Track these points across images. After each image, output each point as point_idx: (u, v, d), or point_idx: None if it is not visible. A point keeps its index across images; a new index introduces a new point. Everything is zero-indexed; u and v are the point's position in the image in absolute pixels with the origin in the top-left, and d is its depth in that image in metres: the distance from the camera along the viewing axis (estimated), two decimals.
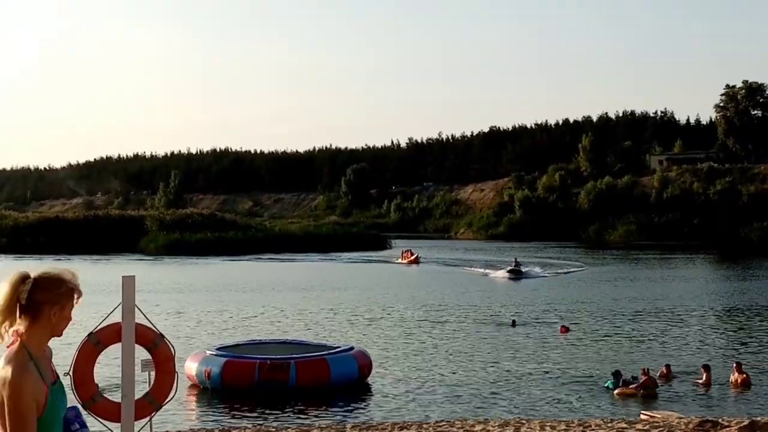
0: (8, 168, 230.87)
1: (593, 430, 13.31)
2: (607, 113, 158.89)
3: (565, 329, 29.17)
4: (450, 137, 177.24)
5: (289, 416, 17.27)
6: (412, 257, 66.98)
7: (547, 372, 21.88)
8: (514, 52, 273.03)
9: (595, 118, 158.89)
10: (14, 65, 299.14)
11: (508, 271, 52.76)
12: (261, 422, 16.50)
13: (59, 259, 70.45)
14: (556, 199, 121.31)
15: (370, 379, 20.63)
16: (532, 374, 21.59)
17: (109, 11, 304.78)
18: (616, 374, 19.90)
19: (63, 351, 23.65)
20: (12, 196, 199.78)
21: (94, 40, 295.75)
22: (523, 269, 53.47)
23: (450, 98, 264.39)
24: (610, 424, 13.89)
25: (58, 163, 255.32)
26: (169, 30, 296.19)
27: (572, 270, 57.55)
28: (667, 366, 21.26)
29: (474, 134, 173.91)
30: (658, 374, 20.58)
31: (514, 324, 30.87)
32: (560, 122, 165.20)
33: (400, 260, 67.24)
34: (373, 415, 17.47)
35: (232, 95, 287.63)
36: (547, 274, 54.04)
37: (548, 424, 14.20)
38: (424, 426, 14.26)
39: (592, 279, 51.18)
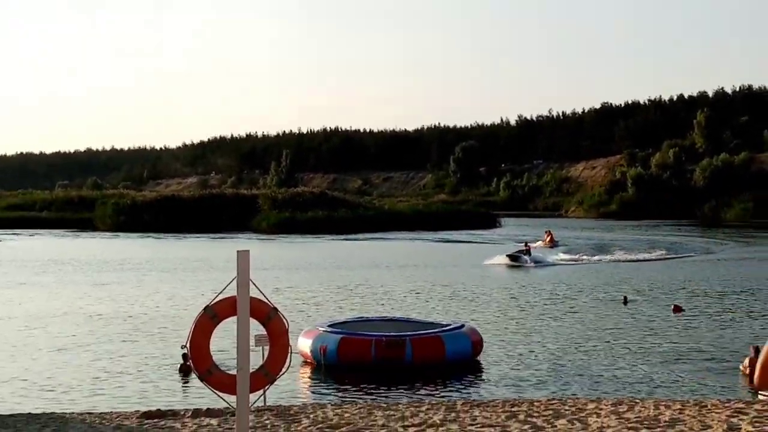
0: (125, 148, 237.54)
1: (709, 410, 13.02)
2: (723, 88, 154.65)
3: (678, 308, 28.60)
4: (561, 114, 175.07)
5: (402, 393, 17.35)
6: (549, 239, 60.69)
7: (661, 351, 21.51)
8: (624, 27, 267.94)
9: (710, 93, 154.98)
10: (129, 51, 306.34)
11: (508, 256, 47.02)
12: (374, 399, 16.61)
13: (175, 237, 72.17)
14: (669, 177, 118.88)
15: (481, 357, 20.59)
16: (645, 353, 21.24)
17: (227, 2, 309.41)
18: (757, 350, 19.32)
19: (180, 324, 24.24)
20: (129, 175, 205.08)
21: (203, 28, 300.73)
22: (526, 256, 46.92)
23: (560, 75, 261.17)
24: (726, 404, 13.57)
25: (173, 143, 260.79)
26: (283, 15, 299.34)
27: (640, 258, 50.34)
28: None
29: (585, 111, 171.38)
30: None
31: (625, 301, 30.50)
32: (674, 98, 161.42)
33: (541, 243, 59.54)
34: (485, 393, 17.45)
35: (343, 76, 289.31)
36: (565, 262, 48.47)
37: (662, 403, 13.95)
38: (535, 404, 14.17)
39: (702, 261, 50.03)
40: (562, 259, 49.26)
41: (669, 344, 22.42)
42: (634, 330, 24.77)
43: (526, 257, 46.73)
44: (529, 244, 51.25)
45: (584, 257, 50.31)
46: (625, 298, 31.22)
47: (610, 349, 21.90)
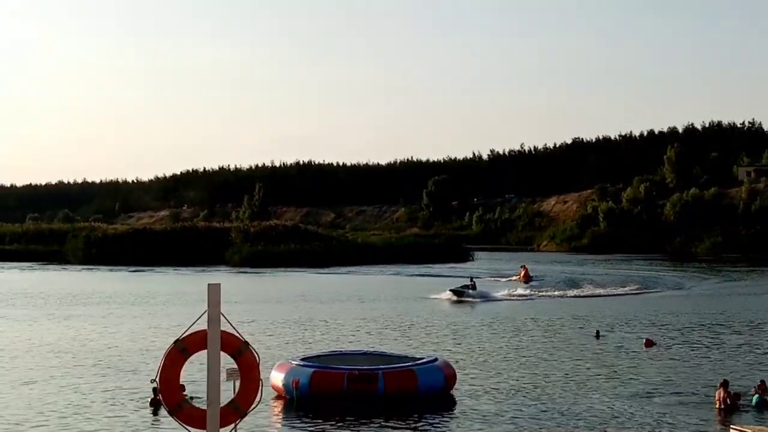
0: (97, 181, 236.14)
1: None
2: (693, 124, 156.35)
3: (650, 342, 28.64)
4: (532, 148, 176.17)
5: (376, 427, 17.22)
6: (524, 274, 59.31)
7: (634, 384, 21.50)
8: (596, 62, 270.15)
9: (680, 129, 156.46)
10: (103, 83, 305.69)
11: (452, 291, 46.24)
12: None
13: (146, 270, 71.69)
14: (640, 211, 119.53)
15: (454, 391, 20.50)
16: (618, 387, 21.23)
17: (193, 28, 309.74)
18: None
19: (150, 358, 23.95)
20: (101, 208, 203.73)
21: (176, 56, 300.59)
22: (471, 291, 46.42)
23: (531, 109, 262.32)
24: None
25: (145, 176, 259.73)
26: (250, 46, 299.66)
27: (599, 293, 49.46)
28: (762, 381, 20.66)
29: (557, 145, 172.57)
30: (754, 389, 20.03)
31: (598, 335, 30.55)
32: (645, 133, 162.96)
33: (516, 278, 58.64)
34: (457, 427, 17.34)
35: (316, 109, 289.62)
36: (514, 298, 47.16)
37: None
38: None
39: (672, 296, 50.21)
40: (511, 295, 48.22)
41: (642, 378, 22.42)
42: (606, 364, 24.76)
43: (470, 291, 46.39)
44: (474, 279, 50.10)
45: (548, 292, 49.69)
46: (598, 332, 31.23)
47: (582, 382, 21.87)
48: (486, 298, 46.08)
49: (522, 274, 59.49)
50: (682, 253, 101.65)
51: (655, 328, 32.88)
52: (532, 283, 55.71)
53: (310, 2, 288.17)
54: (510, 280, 58.19)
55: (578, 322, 34.81)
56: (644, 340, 29.02)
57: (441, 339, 30.20)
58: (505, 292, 49.15)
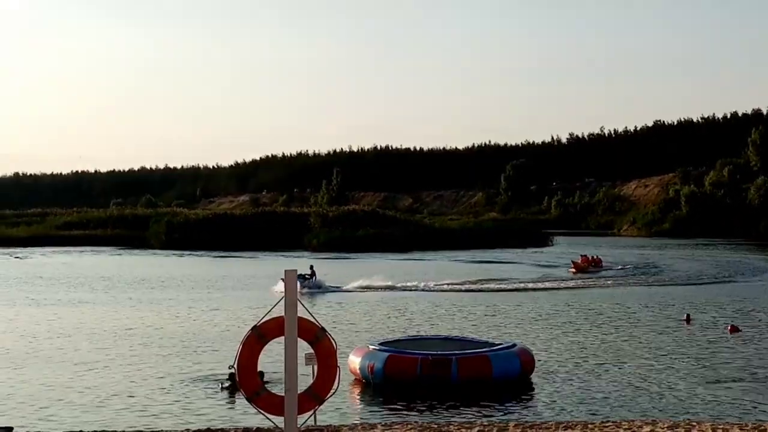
0: (178, 167, 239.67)
1: None
2: None
3: (735, 329, 28.04)
4: (612, 132, 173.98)
5: (450, 413, 17.13)
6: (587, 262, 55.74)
7: (718, 371, 21.04)
8: (677, 46, 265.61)
9: (765, 111, 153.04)
10: (186, 73, 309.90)
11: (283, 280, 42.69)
12: (423, 419, 16.41)
13: (226, 255, 72.51)
14: (724, 195, 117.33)
15: (533, 377, 20.29)
16: (702, 373, 20.78)
17: (272, 18, 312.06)
18: None
19: (228, 345, 24.18)
20: (183, 194, 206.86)
21: (259, 46, 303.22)
22: (308, 280, 42.89)
23: (612, 93, 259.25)
24: None
25: (225, 162, 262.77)
26: (331, 36, 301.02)
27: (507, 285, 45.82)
28: None
29: (638, 129, 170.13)
30: None
31: (688, 320, 30.12)
32: (728, 115, 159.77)
33: (571, 269, 54.83)
34: (536, 414, 17.15)
35: (394, 95, 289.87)
36: (356, 289, 43.31)
37: (720, 427, 13.61)
38: (590, 426, 13.89)
39: (759, 281, 49.10)
40: (356, 287, 43.92)
41: (726, 365, 21.94)
42: (691, 349, 24.30)
43: (306, 281, 42.60)
44: (314, 267, 45.16)
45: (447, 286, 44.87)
46: (688, 316, 30.79)
47: (665, 369, 21.46)
48: (324, 289, 42.84)
49: (581, 261, 55.73)
50: (766, 238, 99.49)
51: (740, 315, 32.20)
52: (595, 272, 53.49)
53: None
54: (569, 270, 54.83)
55: (664, 307, 34.27)
56: (728, 326, 28.44)
57: (523, 326, 29.94)
58: (359, 283, 44.62)
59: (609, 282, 47.49)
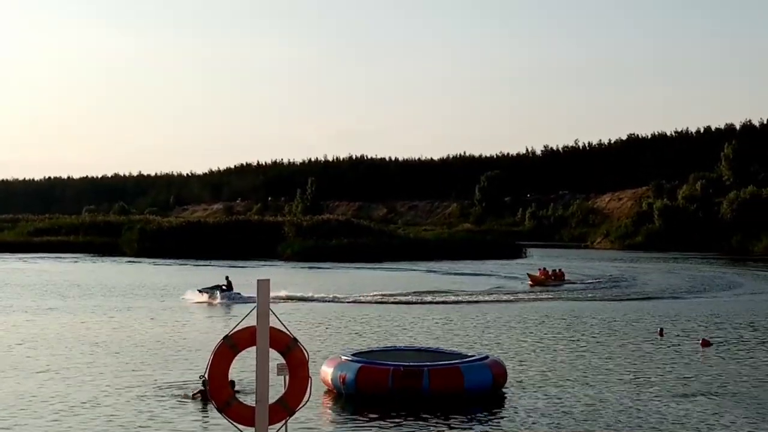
0: (152, 174, 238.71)
1: None
2: (750, 121, 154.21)
3: (706, 342, 28.15)
4: (587, 144, 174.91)
5: (422, 425, 17.08)
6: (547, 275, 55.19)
7: (689, 386, 21.08)
8: (652, 58, 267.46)
9: (738, 126, 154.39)
10: (158, 78, 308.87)
11: (200, 291, 42.49)
12: (394, 431, 16.34)
13: (199, 263, 72.19)
14: (696, 209, 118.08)
15: (505, 390, 20.27)
16: (672, 388, 20.82)
17: (251, 27, 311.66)
18: None
19: (199, 354, 23.97)
20: (156, 201, 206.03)
21: (233, 54, 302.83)
22: (219, 292, 42.22)
23: (586, 105, 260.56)
24: None
25: (200, 169, 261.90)
26: (310, 42, 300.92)
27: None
28: None
29: (612, 142, 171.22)
30: None
31: (661, 333, 30.19)
32: (701, 130, 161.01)
33: (528, 282, 54.20)
34: (507, 426, 17.13)
35: (369, 105, 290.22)
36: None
37: None
38: None
39: (730, 295, 49.36)
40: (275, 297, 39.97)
41: (697, 378, 22.00)
42: (662, 363, 24.35)
43: (218, 293, 42.08)
44: (230, 278, 44.26)
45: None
46: (661, 330, 30.88)
47: (636, 382, 21.50)
48: (236, 300, 41.22)
49: (537, 275, 55.21)
50: (739, 251, 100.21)
51: (712, 328, 32.34)
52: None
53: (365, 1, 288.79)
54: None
55: (635, 321, 34.37)
56: (701, 340, 28.55)
57: (501, 337, 29.93)
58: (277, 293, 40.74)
59: (566, 295, 47.05)
